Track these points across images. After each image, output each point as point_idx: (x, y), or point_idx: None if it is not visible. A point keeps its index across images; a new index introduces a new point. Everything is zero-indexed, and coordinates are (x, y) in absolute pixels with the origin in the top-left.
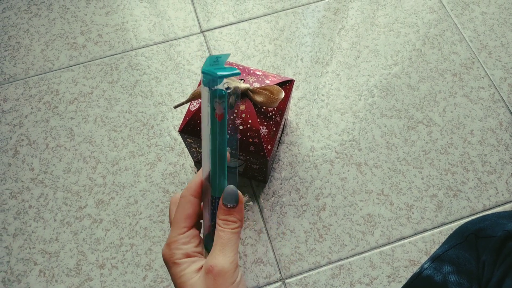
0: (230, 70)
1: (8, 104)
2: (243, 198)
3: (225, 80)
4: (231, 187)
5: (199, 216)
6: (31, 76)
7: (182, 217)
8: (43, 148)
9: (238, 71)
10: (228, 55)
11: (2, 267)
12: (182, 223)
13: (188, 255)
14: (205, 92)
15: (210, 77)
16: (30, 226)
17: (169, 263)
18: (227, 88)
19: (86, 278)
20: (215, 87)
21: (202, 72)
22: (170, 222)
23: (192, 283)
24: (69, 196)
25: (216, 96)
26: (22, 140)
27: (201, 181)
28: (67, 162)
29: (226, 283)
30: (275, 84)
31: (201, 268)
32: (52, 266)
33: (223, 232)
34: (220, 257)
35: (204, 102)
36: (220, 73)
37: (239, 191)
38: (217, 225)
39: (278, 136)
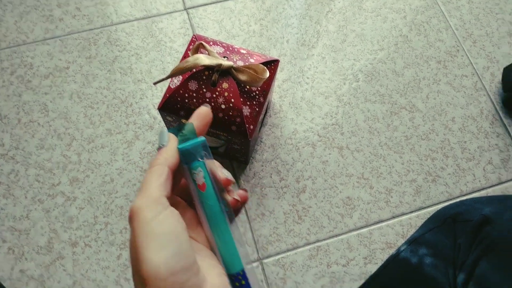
0: (196, 140)
1: None
2: (174, 137)
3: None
4: (162, 129)
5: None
6: (3, 49)
7: (164, 178)
8: (14, 123)
9: (203, 139)
10: (191, 124)
11: None
12: (162, 187)
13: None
14: (185, 169)
15: (188, 155)
16: None
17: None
18: (201, 157)
19: (58, 257)
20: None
21: (180, 150)
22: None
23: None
24: (41, 173)
25: (193, 168)
26: None
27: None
28: (40, 138)
29: (141, 221)
30: (260, 63)
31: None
32: (22, 244)
33: (144, 177)
34: (137, 199)
35: (188, 177)
36: (190, 148)
37: (172, 134)
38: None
39: (261, 117)
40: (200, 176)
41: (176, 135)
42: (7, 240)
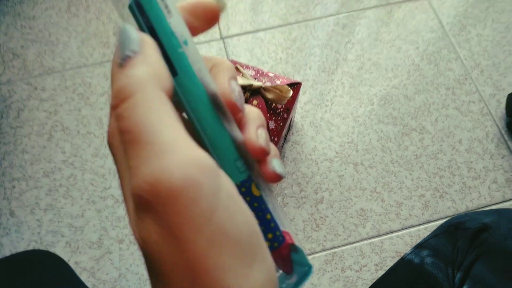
0: None
1: (46, 93)
2: (151, 39)
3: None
4: (124, 25)
5: None
6: (67, 70)
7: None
8: (74, 134)
9: None
10: None
11: (33, 237)
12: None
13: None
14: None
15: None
16: (59, 202)
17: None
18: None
19: (107, 251)
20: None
21: None
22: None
23: None
24: (95, 177)
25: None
26: (57, 126)
27: None
28: (96, 147)
29: (195, 215)
30: (285, 85)
31: None
32: (77, 239)
33: (122, 119)
34: (154, 163)
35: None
36: None
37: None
38: None
39: (285, 131)
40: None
41: None
42: (65, 235)
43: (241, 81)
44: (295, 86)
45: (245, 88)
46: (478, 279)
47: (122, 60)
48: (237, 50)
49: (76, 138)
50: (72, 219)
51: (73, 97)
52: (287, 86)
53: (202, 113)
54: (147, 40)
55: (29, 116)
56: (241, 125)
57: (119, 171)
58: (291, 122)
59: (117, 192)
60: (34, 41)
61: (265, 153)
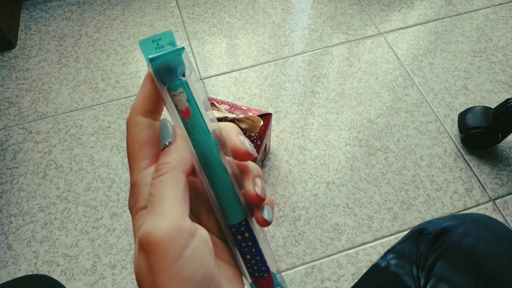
0: (174, 48)
1: (40, 136)
2: (181, 131)
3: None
4: (164, 121)
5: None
6: (60, 114)
7: (136, 148)
8: (68, 171)
9: (183, 47)
10: (170, 32)
11: (30, 268)
12: (139, 155)
13: None
14: (164, 91)
15: (164, 70)
16: (54, 234)
17: (132, 213)
18: (183, 74)
19: (100, 277)
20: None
21: (153, 64)
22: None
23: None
24: (88, 209)
25: (173, 89)
26: (51, 164)
27: (151, 93)
28: (87, 182)
29: (165, 260)
30: (256, 115)
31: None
32: (72, 267)
33: (153, 186)
34: (152, 221)
35: (167, 102)
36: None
37: (177, 128)
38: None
39: (260, 156)
40: (183, 99)
41: (150, 46)
42: (60, 264)
43: (217, 114)
44: (267, 116)
45: (220, 120)
46: (440, 277)
47: (162, 147)
48: (215, 88)
49: (69, 174)
50: (66, 249)
51: (65, 138)
52: (258, 117)
53: (212, 164)
54: (179, 132)
55: (25, 157)
56: (244, 173)
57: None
58: (267, 149)
59: (108, 222)
60: (28, 90)
61: (261, 200)
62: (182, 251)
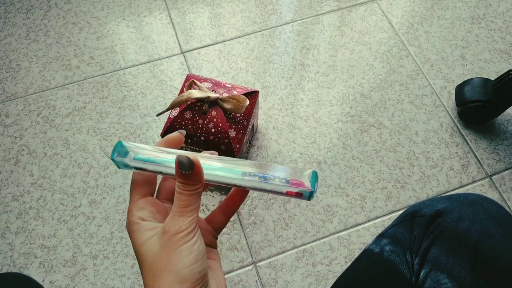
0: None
1: (9, 119)
2: (200, 162)
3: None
4: (183, 157)
5: (153, 183)
6: (30, 94)
7: (133, 187)
8: (41, 156)
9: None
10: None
11: (6, 261)
12: (135, 193)
13: (143, 220)
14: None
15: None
16: (30, 224)
17: (129, 231)
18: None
19: (81, 268)
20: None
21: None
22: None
23: (150, 243)
24: (65, 197)
25: (128, 167)
26: (23, 150)
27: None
28: (63, 168)
29: (180, 242)
30: (242, 94)
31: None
32: (50, 259)
33: (181, 194)
34: (178, 219)
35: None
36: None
37: (191, 156)
38: (176, 187)
39: (246, 137)
40: (137, 165)
41: (122, 154)
42: (38, 256)
43: (198, 94)
44: (253, 95)
45: (202, 100)
46: (435, 263)
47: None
48: (198, 62)
49: (43, 160)
50: (44, 240)
51: (38, 121)
52: (243, 96)
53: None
54: (197, 163)
55: None
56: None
57: None
58: (254, 128)
59: (87, 209)
60: None
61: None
62: (193, 238)
